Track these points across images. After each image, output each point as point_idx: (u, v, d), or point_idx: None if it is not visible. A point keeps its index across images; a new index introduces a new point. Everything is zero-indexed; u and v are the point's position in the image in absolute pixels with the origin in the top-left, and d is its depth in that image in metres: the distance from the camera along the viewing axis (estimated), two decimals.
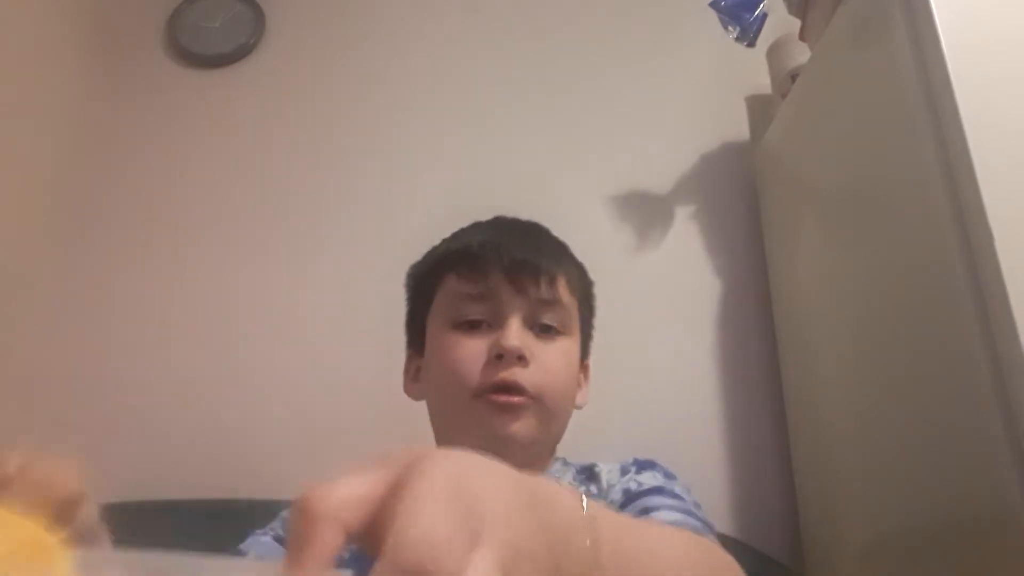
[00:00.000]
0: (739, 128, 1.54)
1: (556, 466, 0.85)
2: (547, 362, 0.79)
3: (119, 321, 1.52)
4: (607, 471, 0.80)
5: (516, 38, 1.68)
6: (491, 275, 0.81)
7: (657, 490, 0.73)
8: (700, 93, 1.57)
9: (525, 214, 0.94)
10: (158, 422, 1.41)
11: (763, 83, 1.48)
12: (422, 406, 0.88)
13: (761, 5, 1.25)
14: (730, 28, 1.27)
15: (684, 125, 1.55)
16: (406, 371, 0.91)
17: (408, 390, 0.90)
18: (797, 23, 1.23)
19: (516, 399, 0.76)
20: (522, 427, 0.76)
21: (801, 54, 1.30)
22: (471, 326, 0.80)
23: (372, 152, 1.61)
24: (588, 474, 0.81)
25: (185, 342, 1.49)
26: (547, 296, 0.81)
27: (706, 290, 1.41)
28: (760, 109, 1.54)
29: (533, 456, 0.80)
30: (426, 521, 0.26)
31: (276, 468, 1.25)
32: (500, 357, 0.76)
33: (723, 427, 1.31)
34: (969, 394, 0.75)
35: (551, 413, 0.79)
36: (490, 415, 0.76)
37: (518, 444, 0.76)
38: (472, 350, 0.78)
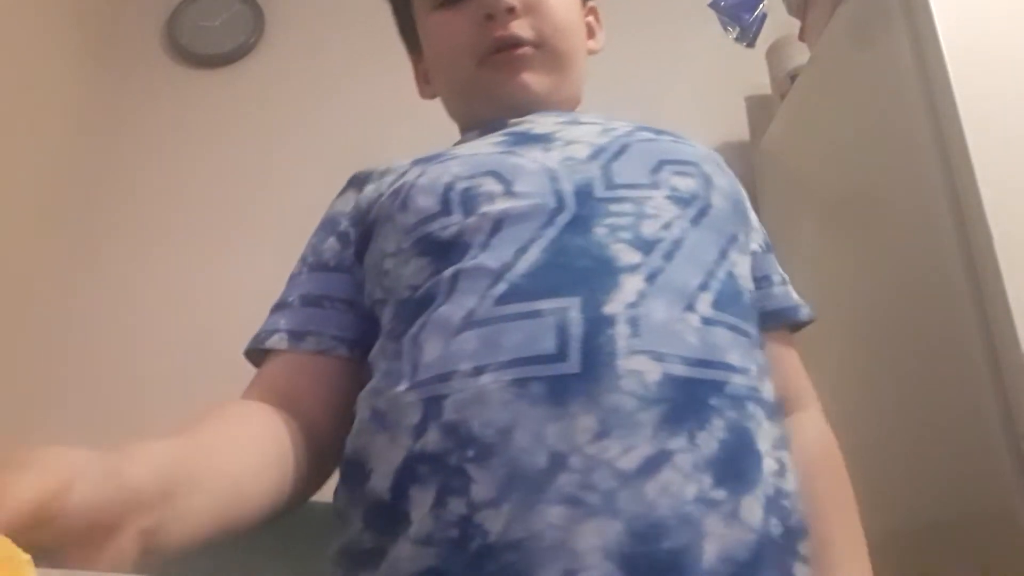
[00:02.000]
0: (739, 128, 1.54)
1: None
2: (541, 5, 0.74)
3: (117, 320, 1.52)
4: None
5: None
6: None
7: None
8: (700, 93, 1.57)
9: None
10: (154, 418, 1.41)
11: (763, 83, 1.48)
12: None
13: (761, 6, 1.25)
14: (730, 28, 1.28)
15: (684, 125, 1.53)
16: (416, 78, 0.88)
17: (423, 93, 0.87)
18: (797, 23, 1.23)
19: (518, 51, 0.72)
20: (533, 77, 0.73)
21: (801, 55, 1.30)
22: (453, 1, 0.75)
23: (373, 150, 1.61)
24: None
25: (182, 340, 1.49)
26: None
27: None
28: (760, 109, 1.54)
29: (557, 106, 0.76)
30: None
31: None
32: (490, 17, 0.71)
33: None
34: (969, 394, 0.75)
35: (561, 58, 0.75)
36: (498, 76, 0.72)
37: (534, 95, 0.73)
38: (460, 21, 0.74)
